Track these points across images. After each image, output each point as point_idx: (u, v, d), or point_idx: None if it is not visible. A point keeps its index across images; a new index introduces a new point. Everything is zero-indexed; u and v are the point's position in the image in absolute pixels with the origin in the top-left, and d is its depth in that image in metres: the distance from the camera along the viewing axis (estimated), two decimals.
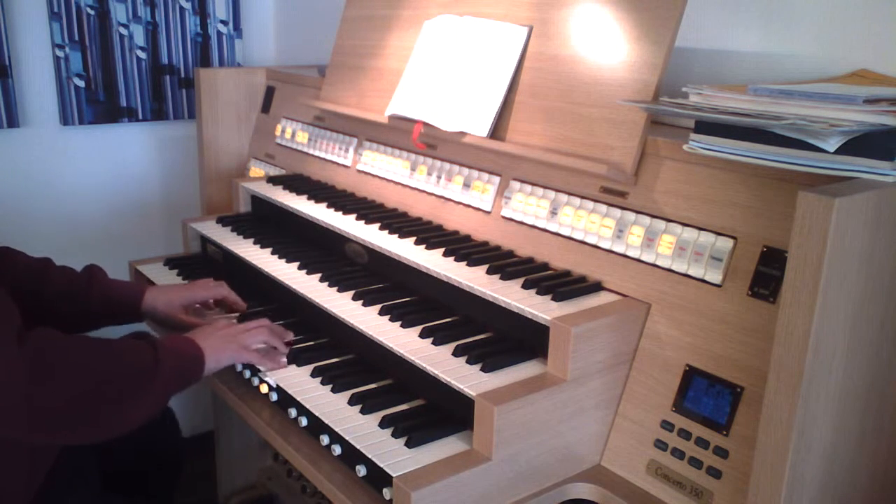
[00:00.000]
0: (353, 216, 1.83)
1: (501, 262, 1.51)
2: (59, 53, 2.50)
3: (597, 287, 1.41)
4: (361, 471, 1.25)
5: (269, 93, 2.55)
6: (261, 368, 1.50)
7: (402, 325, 1.46)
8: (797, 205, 0.95)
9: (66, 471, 1.47)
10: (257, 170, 2.49)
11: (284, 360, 1.52)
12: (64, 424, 1.26)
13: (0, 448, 1.30)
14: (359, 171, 2.06)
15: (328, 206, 1.92)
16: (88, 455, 1.59)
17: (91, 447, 1.59)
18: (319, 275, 1.70)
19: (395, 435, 1.28)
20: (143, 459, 1.77)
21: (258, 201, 2.19)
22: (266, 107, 2.55)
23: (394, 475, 1.16)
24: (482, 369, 1.30)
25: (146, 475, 1.79)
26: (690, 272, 1.30)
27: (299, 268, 1.75)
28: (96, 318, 1.66)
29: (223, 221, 2.12)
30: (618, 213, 1.43)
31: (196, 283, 1.75)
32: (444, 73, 1.76)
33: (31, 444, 1.35)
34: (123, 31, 2.61)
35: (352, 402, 1.39)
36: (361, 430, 1.31)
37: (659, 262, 1.35)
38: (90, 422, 1.28)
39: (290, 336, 1.59)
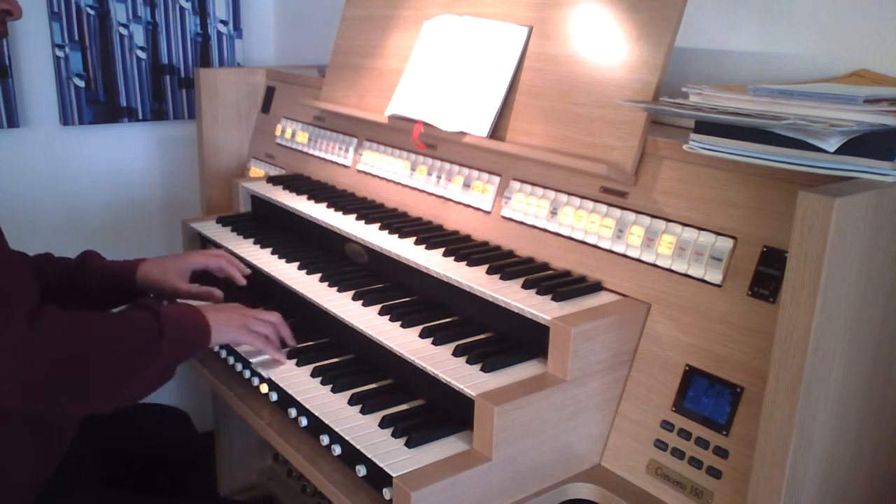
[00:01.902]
0: (353, 216, 1.83)
1: (501, 262, 1.51)
2: (59, 53, 2.50)
3: (597, 287, 1.41)
4: (361, 471, 1.25)
5: (269, 93, 2.55)
6: (261, 351, 1.52)
7: (402, 325, 1.46)
8: (797, 205, 0.95)
9: (67, 468, 1.47)
10: (257, 170, 2.49)
11: (284, 357, 1.53)
12: (67, 397, 1.27)
13: (8, 440, 1.30)
14: (359, 171, 2.06)
15: (328, 206, 1.92)
16: (90, 452, 1.59)
17: (95, 445, 1.60)
18: (319, 275, 1.70)
19: (395, 435, 1.28)
20: (153, 456, 1.77)
21: (258, 201, 2.19)
22: (266, 107, 2.55)
23: (394, 475, 1.16)
24: (482, 369, 1.30)
25: (158, 473, 1.80)
26: (690, 272, 1.30)
27: (299, 268, 1.75)
28: (95, 298, 1.67)
29: (223, 221, 2.12)
30: (618, 213, 1.43)
31: (190, 252, 1.76)
32: (444, 73, 1.76)
33: (38, 438, 1.35)
34: (123, 31, 2.60)
35: (352, 402, 1.39)
36: (361, 430, 1.31)
37: (659, 262, 1.35)
38: (95, 394, 1.30)
39: (293, 342, 1.59)
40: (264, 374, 1.50)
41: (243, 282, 1.77)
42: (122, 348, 1.32)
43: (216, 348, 1.67)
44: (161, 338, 1.34)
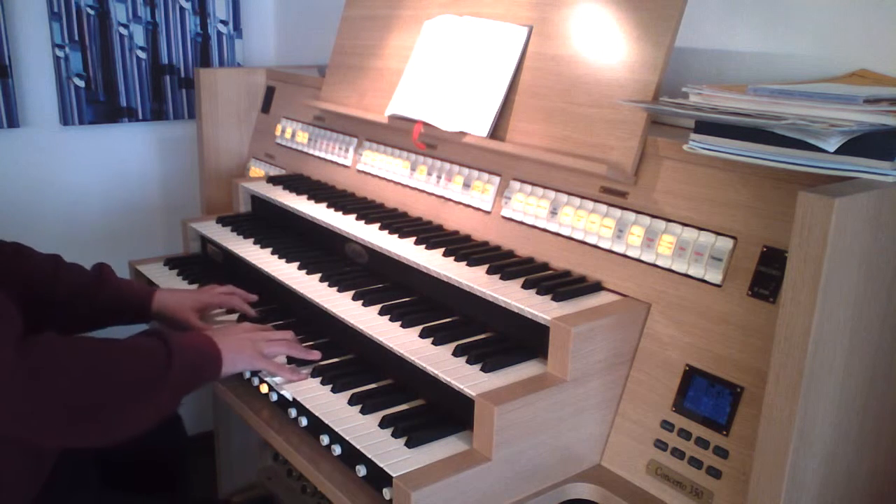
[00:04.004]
0: (353, 216, 1.83)
1: (501, 262, 1.51)
2: (59, 53, 2.50)
3: (597, 287, 1.41)
4: (361, 471, 1.25)
5: (269, 93, 2.55)
6: (276, 377, 1.47)
7: (402, 325, 1.46)
8: (797, 205, 0.95)
9: (65, 471, 1.47)
10: (257, 170, 2.49)
11: (305, 372, 1.48)
12: (69, 429, 1.24)
13: (3, 449, 1.30)
14: (359, 171, 2.06)
15: (328, 206, 1.92)
16: (87, 454, 1.59)
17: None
18: (319, 275, 1.70)
19: (395, 435, 1.28)
20: (147, 457, 1.77)
21: (258, 201, 2.19)
22: (266, 107, 2.55)
23: (394, 475, 1.16)
24: (482, 369, 1.30)
25: (152, 473, 1.79)
26: (690, 272, 1.30)
27: (299, 268, 1.75)
28: (105, 317, 1.66)
29: (223, 221, 2.12)
30: (618, 213, 1.43)
31: (207, 289, 1.75)
32: (444, 73, 1.76)
33: (35, 446, 1.34)
34: (123, 31, 2.60)
35: (352, 402, 1.39)
36: (361, 430, 1.31)
37: (659, 262, 1.35)
38: (97, 426, 1.26)
39: (316, 356, 1.53)
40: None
41: (253, 314, 1.74)
42: (124, 380, 1.27)
43: None
44: (168, 370, 1.30)
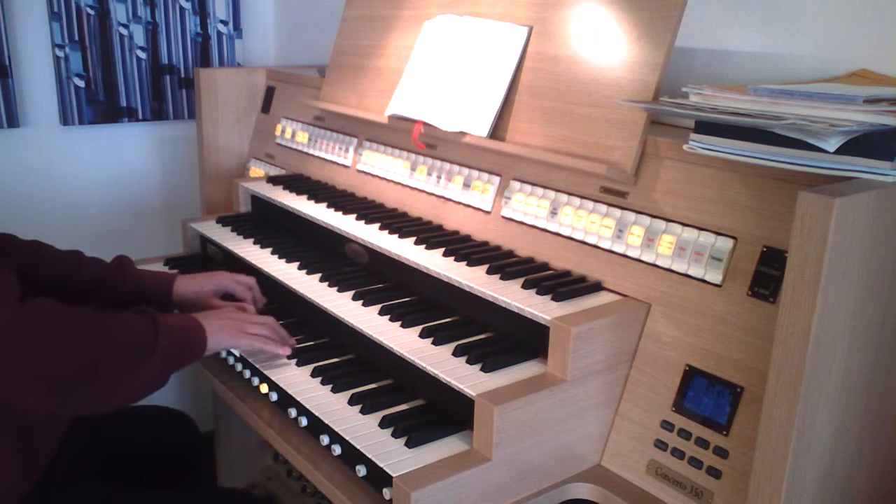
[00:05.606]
0: (353, 216, 1.83)
1: (501, 262, 1.51)
2: (59, 53, 2.50)
3: (597, 287, 1.41)
4: (361, 471, 1.25)
5: (269, 93, 2.55)
6: (264, 350, 1.51)
7: (402, 325, 1.46)
8: (797, 205, 0.95)
9: (63, 464, 1.47)
10: (257, 170, 2.49)
11: (287, 349, 1.53)
12: (60, 391, 1.26)
13: None
14: (359, 171, 2.06)
15: (328, 206, 1.92)
16: (87, 447, 1.60)
17: (93, 440, 1.60)
18: (319, 275, 1.70)
19: (395, 435, 1.28)
20: (162, 459, 1.78)
21: (258, 201, 2.19)
22: (266, 107, 2.55)
23: (394, 475, 1.16)
24: (482, 369, 1.30)
25: (172, 474, 1.80)
26: (690, 272, 1.30)
27: (299, 268, 1.75)
28: (126, 307, 1.68)
29: (223, 221, 2.12)
30: (618, 213, 1.43)
31: (226, 274, 1.76)
32: (444, 73, 1.76)
33: (28, 435, 1.35)
34: (123, 31, 2.61)
35: (352, 402, 1.39)
36: (361, 430, 1.31)
37: (659, 262, 1.35)
38: (86, 392, 1.28)
39: (292, 341, 1.58)
40: (266, 373, 1.50)
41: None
42: (112, 348, 1.30)
43: None
44: (155, 344, 1.33)
